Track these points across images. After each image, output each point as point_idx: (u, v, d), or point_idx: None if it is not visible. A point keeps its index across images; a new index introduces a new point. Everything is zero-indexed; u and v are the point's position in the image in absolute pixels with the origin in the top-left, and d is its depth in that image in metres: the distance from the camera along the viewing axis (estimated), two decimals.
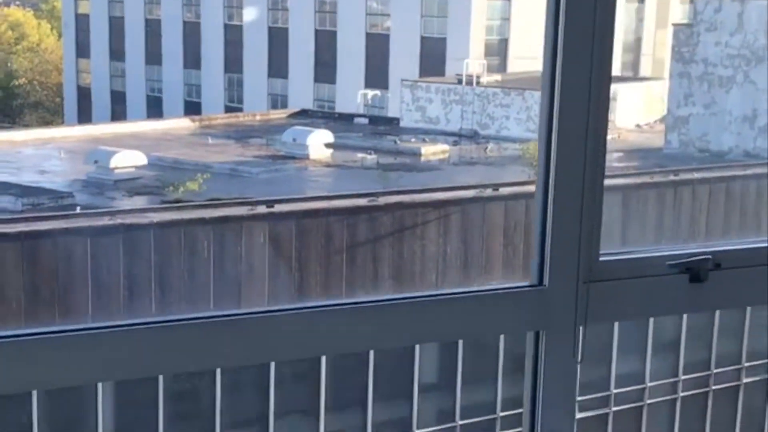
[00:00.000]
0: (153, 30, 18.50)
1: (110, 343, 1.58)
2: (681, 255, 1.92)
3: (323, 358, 6.69)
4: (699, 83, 10.41)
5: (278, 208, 8.65)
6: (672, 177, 10.06)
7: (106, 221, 8.38)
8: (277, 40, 14.93)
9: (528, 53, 12.13)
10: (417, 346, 7.18)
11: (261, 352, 1.74)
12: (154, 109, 17.58)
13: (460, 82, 11.61)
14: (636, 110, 11.82)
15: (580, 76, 1.78)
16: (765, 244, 2.04)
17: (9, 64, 23.08)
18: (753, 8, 9.76)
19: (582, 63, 1.77)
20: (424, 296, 1.83)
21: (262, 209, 8.52)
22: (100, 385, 6.39)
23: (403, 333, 1.82)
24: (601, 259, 1.84)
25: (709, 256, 1.92)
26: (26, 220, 8.66)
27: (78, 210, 9.15)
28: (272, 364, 6.69)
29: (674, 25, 11.07)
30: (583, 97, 1.79)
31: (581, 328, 1.84)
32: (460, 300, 1.82)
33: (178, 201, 9.08)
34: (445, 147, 10.83)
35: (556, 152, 1.77)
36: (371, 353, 6.83)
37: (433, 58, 12.33)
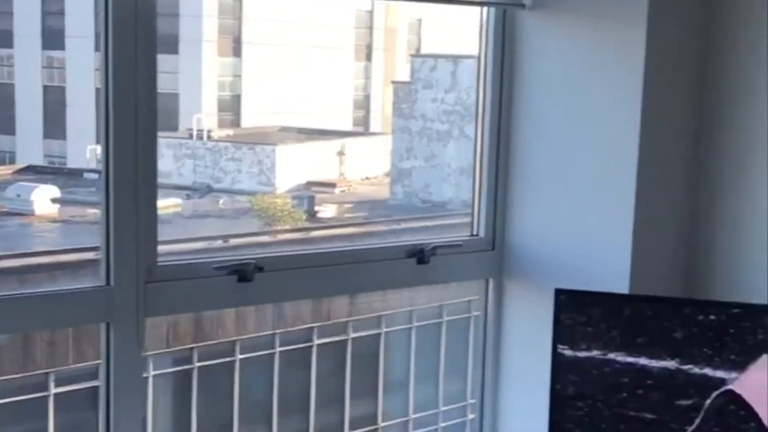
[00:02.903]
0: None
1: None
2: (229, 260, 2.55)
3: None
4: (419, 137, 11.40)
5: None
6: (395, 226, 10.98)
7: None
8: (4, 96, 15.09)
9: (261, 109, 12.80)
10: None
11: None
12: None
13: (191, 136, 12.18)
14: (365, 164, 12.76)
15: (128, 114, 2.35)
16: (300, 252, 2.71)
17: None
18: (465, 67, 10.85)
19: (128, 113, 2.35)
20: (24, 294, 2.36)
21: None
22: None
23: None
24: (159, 263, 2.44)
25: (252, 261, 2.56)
26: None
27: None
28: None
29: (394, 82, 12.07)
30: (130, 144, 2.35)
31: (144, 320, 2.43)
32: (45, 297, 2.36)
33: None
34: (178, 201, 11.31)
35: (114, 184, 2.35)
36: None
37: (166, 113, 12.87)
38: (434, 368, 9.91)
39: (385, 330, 9.83)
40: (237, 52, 13.06)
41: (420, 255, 2.89)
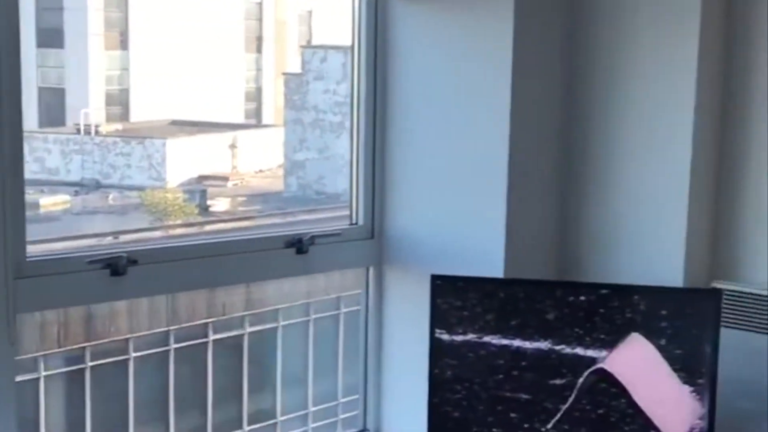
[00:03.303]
0: None
1: None
2: (101, 254, 2.55)
3: None
4: (312, 129, 11.38)
5: None
6: (290, 218, 10.98)
7: None
8: None
9: (150, 102, 12.64)
10: None
11: None
12: None
13: (79, 131, 11.98)
14: (258, 156, 12.71)
15: None
16: (175, 244, 2.72)
17: None
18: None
19: None
20: None
21: None
22: None
23: None
24: (29, 259, 2.43)
25: (124, 254, 2.56)
26: None
27: None
28: None
29: (285, 74, 12.02)
30: None
31: (15, 317, 2.41)
32: None
33: None
34: (66, 197, 11.13)
35: None
36: None
37: (52, 108, 12.63)
38: (333, 360, 9.92)
39: (282, 323, 9.79)
40: (124, 45, 12.85)
41: (299, 245, 2.92)
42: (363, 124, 3.08)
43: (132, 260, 2.53)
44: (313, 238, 2.94)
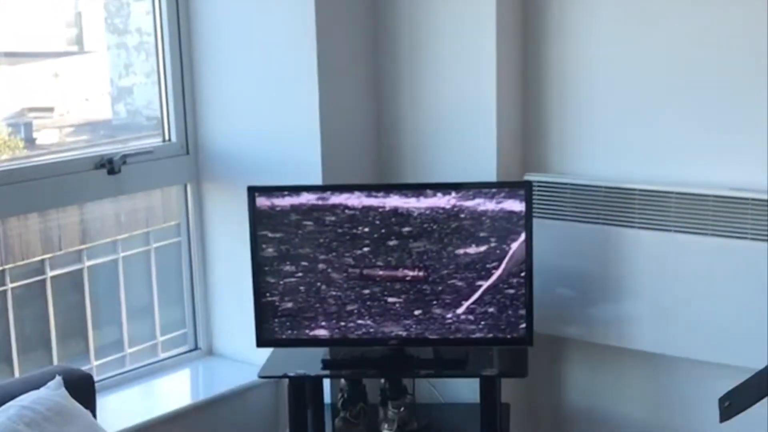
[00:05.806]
0: None
1: None
2: None
3: None
4: (137, 53, 11.13)
5: None
6: (120, 145, 10.78)
7: None
8: None
9: None
10: None
11: None
12: None
13: None
14: (83, 84, 12.36)
15: None
16: None
17: None
18: None
19: None
20: None
21: None
22: None
23: None
24: None
25: None
26: None
27: None
28: None
29: None
30: None
31: None
32: None
33: None
34: None
35: None
36: None
37: None
38: (178, 287, 9.85)
39: (122, 254, 9.61)
40: None
41: (110, 165, 2.89)
42: (167, 39, 3.05)
43: None
44: (124, 158, 2.92)
